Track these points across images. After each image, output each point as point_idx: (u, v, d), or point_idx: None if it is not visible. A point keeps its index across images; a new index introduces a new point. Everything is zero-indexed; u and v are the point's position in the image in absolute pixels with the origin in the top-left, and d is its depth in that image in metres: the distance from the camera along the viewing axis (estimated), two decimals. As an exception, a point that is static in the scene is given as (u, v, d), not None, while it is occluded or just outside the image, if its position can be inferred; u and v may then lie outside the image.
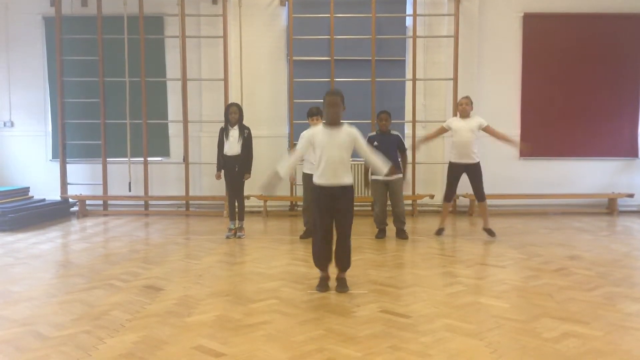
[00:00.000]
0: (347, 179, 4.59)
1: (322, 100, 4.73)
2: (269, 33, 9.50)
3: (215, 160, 7.27)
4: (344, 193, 4.60)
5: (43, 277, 5.22)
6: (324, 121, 4.75)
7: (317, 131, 4.67)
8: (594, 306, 4.22)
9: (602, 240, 7.01)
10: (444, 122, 7.29)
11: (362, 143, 4.63)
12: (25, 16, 9.62)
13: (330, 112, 4.58)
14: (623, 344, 3.46)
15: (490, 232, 7.05)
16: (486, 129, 6.84)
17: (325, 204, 4.60)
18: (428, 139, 7.28)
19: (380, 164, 4.69)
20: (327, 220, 4.61)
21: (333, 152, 4.54)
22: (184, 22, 9.14)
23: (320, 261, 4.70)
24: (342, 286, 4.69)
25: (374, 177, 7.05)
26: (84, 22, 9.37)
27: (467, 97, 6.97)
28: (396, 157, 6.95)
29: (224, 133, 7.09)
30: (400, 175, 6.96)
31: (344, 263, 4.72)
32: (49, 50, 9.60)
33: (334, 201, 4.58)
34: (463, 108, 6.89)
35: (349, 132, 4.59)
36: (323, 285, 4.70)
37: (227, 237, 7.15)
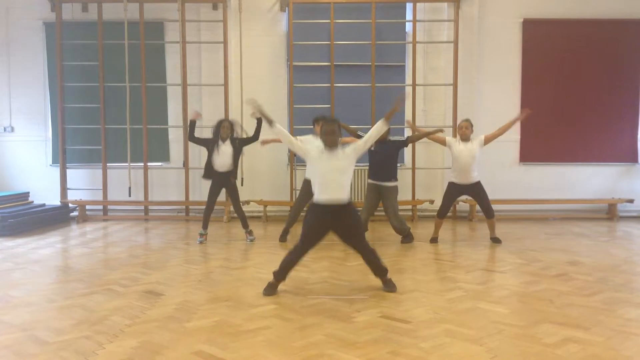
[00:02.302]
0: (345, 198, 4.69)
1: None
2: (269, 38, 9.53)
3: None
4: (345, 212, 4.70)
5: (43, 282, 5.21)
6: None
7: (315, 151, 4.79)
8: (594, 311, 4.21)
9: (602, 246, 7.01)
10: (446, 133, 7.29)
11: (359, 142, 4.81)
12: (25, 21, 9.65)
13: (329, 140, 4.73)
14: (623, 349, 3.45)
15: (496, 240, 7.09)
16: (487, 140, 6.86)
17: (323, 226, 4.71)
18: (426, 134, 7.08)
19: (378, 129, 4.83)
20: (316, 241, 4.76)
21: (332, 174, 4.67)
22: (184, 27, 9.17)
23: (283, 274, 4.79)
24: (390, 286, 4.81)
25: (369, 181, 7.04)
26: (85, 27, 9.41)
27: (467, 121, 6.95)
28: (394, 164, 6.96)
29: (212, 145, 7.07)
30: (395, 184, 6.95)
31: (380, 270, 4.84)
32: (49, 55, 9.62)
33: (334, 223, 4.70)
34: (463, 132, 6.88)
35: (346, 154, 4.74)
36: (273, 288, 4.76)
37: (201, 242, 7.17)
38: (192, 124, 7.15)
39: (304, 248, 4.76)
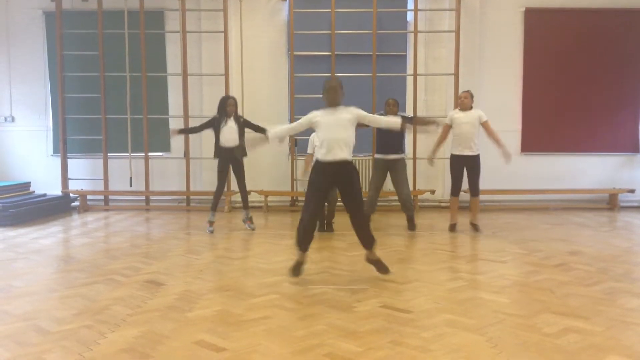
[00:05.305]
0: (348, 156, 4.69)
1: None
2: (270, 28, 9.49)
3: (212, 154, 7.28)
4: (347, 170, 4.69)
5: (44, 272, 5.22)
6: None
7: (319, 113, 4.78)
8: (595, 301, 4.22)
9: (603, 236, 7.01)
10: (445, 117, 7.31)
11: (366, 114, 4.83)
12: (25, 11, 9.62)
13: (331, 96, 4.74)
14: (623, 339, 3.46)
15: (475, 227, 7.09)
16: (484, 124, 6.85)
17: (325, 182, 4.71)
18: (439, 143, 7.14)
19: (393, 121, 4.95)
20: (321, 198, 4.78)
21: (335, 130, 4.66)
22: (185, 16, 9.13)
23: (304, 239, 4.77)
24: (382, 268, 4.83)
25: (376, 155, 7.10)
26: (85, 16, 9.37)
27: (468, 91, 6.99)
28: (401, 139, 7.04)
29: (218, 123, 7.04)
30: (404, 156, 7.04)
31: (368, 239, 4.81)
32: (49, 45, 9.59)
33: (336, 180, 4.70)
34: (462, 101, 6.92)
35: (349, 110, 4.75)
36: (297, 270, 4.78)
37: (211, 232, 7.13)
38: (183, 131, 7.67)
39: (312, 208, 4.72)
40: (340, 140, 4.64)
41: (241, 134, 7.11)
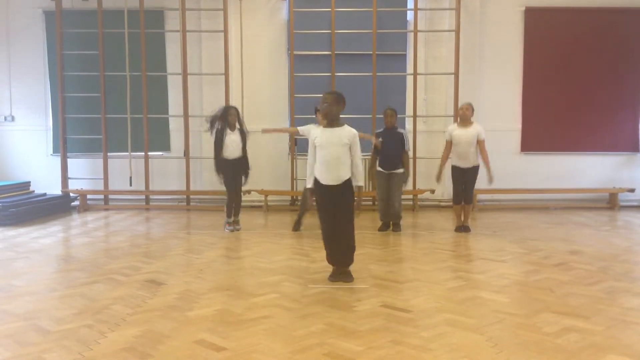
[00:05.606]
0: (346, 174, 4.66)
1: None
2: (270, 27, 9.48)
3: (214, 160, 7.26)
4: (343, 191, 4.68)
5: (44, 272, 5.22)
6: (323, 124, 4.81)
7: (318, 132, 4.75)
8: (595, 301, 4.22)
9: (603, 235, 7.01)
10: (444, 115, 7.30)
11: (357, 148, 4.70)
12: (26, 10, 9.61)
13: (325, 111, 4.70)
14: (623, 338, 3.46)
15: (466, 229, 7.14)
16: (479, 142, 6.87)
17: (326, 203, 4.70)
18: (444, 161, 7.15)
19: (358, 174, 4.74)
20: (329, 219, 4.71)
21: (332, 150, 4.63)
22: (185, 16, 9.12)
23: (331, 259, 4.83)
24: (347, 277, 4.79)
25: (378, 168, 7.15)
26: (85, 16, 9.36)
27: (469, 104, 6.98)
28: (400, 154, 7.06)
29: (222, 135, 7.02)
30: (401, 170, 7.07)
31: (345, 259, 4.80)
32: (49, 44, 9.58)
33: (334, 199, 4.67)
34: (463, 113, 6.91)
35: (348, 133, 4.67)
36: (335, 275, 4.81)
37: (231, 231, 7.22)
38: (219, 166, 7.08)
39: (326, 227, 4.74)
40: (337, 159, 4.63)
41: (244, 145, 7.12)
